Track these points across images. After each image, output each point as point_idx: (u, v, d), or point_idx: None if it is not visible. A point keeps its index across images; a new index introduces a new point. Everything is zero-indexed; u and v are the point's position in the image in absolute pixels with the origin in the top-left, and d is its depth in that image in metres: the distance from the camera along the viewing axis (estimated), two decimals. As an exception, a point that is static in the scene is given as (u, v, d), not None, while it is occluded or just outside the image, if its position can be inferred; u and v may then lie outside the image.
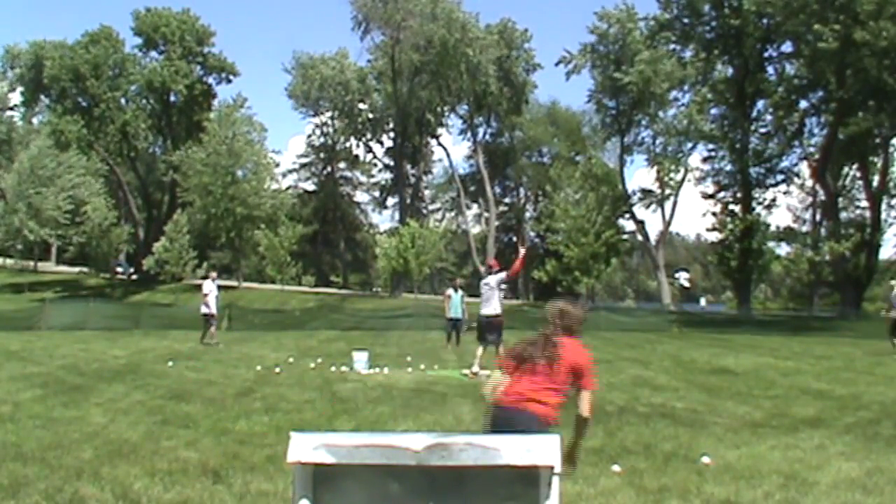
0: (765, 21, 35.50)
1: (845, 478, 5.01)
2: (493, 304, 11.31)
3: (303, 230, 46.74)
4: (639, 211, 49.42)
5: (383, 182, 64.19)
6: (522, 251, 13.07)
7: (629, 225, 49.27)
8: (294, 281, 49.16)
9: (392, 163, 59.02)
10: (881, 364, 13.63)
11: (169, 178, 50.59)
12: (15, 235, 45.99)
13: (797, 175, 41.63)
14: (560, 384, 3.49)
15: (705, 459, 5.38)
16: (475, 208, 62.20)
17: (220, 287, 18.10)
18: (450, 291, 18.05)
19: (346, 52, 55.65)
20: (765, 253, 37.20)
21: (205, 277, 19.07)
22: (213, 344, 16.76)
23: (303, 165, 64.41)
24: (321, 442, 2.25)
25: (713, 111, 39.89)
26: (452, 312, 17.61)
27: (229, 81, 54.49)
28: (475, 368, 10.97)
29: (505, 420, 3.39)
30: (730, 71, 38.63)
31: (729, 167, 39.65)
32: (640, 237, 50.20)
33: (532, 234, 61.32)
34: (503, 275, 11.41)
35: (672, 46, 40.10)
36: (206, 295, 17.23)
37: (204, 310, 17.28)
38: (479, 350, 11.28)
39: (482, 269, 51.10)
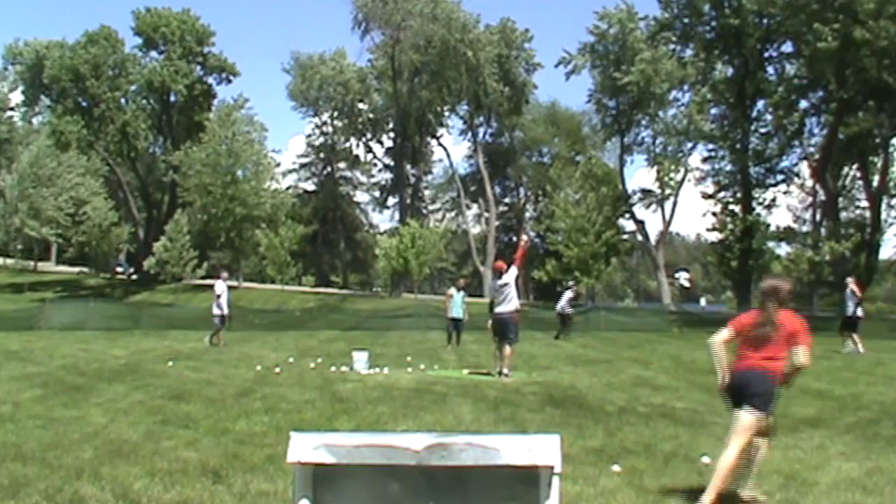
0: (765, 21, 35.51)
1: (845, 478, 5.01)
2: (513, 302, 11.29)
3: (303, 230, 46.78)
4: (639, 211, 49.49)
5: (383, 182, 64.25)
6: (524, 238, 13.07)
7: (629, 225, 49.35)
8: (294, 281, 49.18)
9: (392, 163, 59.05)
10: (881, 364, 13.64)
11: (169, 178, 50.62)
12: (15, 235, 46.00)
13: (797, 175, 41.65)
14: (782, 350, 4.33)
15: (705, 459, 5.37)
16: (475, 208, 62.24)
17: (228, 287, 18.04)
18: (452, 291, 18.08)
19: (345, 52, 55.75)
20: (765, 253, 37.19)
21: (216, 277, 18.87)
22: (214, 344, 16.67)
23: (303, 165, 64.45)
24: (321, 442, 2.25)
25: (713, 111, 39.92)
26: (454, 312, 17.64)
27: (229, 81, 54.56)
28: (505, 370, 10.89)
29: (742, 382, 4.35)
30: (730, 71, 38.62)
31: (729, 167, 39.66)
32: (640, 237, 50.22)
33: (532, 233, 61.33)
34: (515, 270, 11.39)
35: (672, 46, 40.12)
36: (218, 296, 17.09)
37: (216, 311, 17.13)
38: (498, 350, 11.22)
39: (482, 269, 51.24)
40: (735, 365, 4.44)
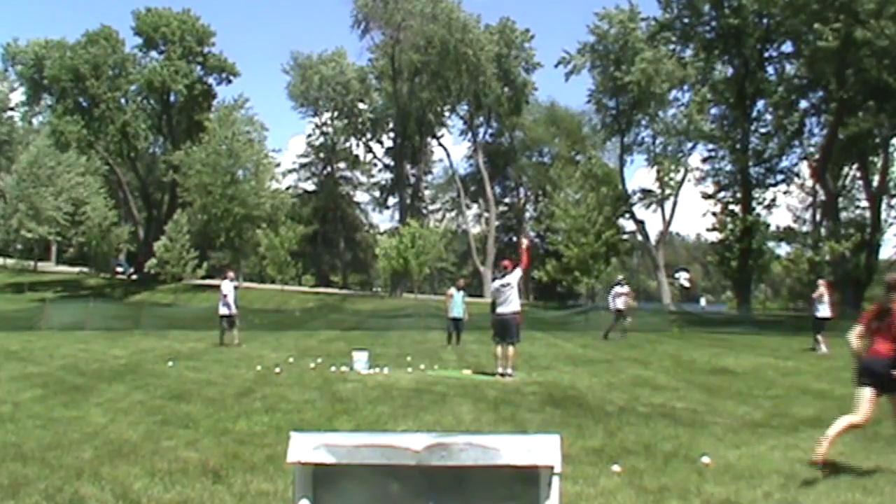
0: (765, 21, 35.54)
1: (845, 478, 5.01)
2: (514, 303, 11.30)
3: (303, 230, 46.79)
4: (639, 211, 49.47)
5: (383, 182, 64.24)
6: (525, 242, 13.05)
7: (629, 225, 49.32)
8: (294, 281, 49.16)
9: (392, 163, 59.04)
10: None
11: (169, 178, 50.64)
12: (15, 236, 45.98)
13: (797, 175, 41.71)
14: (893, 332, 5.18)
15: (705, 459, 5.38)
16: (475, 208, 62.25)
17: (234, 287, 17.90)
18: (452, 290, 18.06)
19: (345, 52, 55.75)
20: (765, 253, 37.21)
21: (223, 277, 18.44)
22: (235, 344, 16.50)
23: (303, 165, 64.44)
24: (321, 442, 2.24)
25: (713, 111, 39.95)
26: (454, 312, 17.63)
27: (229, 81, 54.57)
28: (509, 370, 10.90)
29: (872, 367, 5.22)
30: (730, 71, 38.66)
31: (729, 167, 39.71)
32: (640, 237, 50.21)
33: (532, 233, 61.28)
34: (520, 272, 11.38)
35: (672, 46, 40.14)
36: (224, 296, 16.95)
37: (223, 311, 16.94)
38: (499, 350, 11.22)
39: (482, 269, 51.25)
40: (867, 353, 5.37)
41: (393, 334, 22.90)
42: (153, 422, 6.91)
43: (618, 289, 22.03)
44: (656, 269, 49.67)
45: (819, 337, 16.67)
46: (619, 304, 21.46)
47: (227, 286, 17.25)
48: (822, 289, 17.38)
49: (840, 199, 40.46)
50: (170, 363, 12.49)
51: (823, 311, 16.93)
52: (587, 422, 7.06)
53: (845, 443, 6.21)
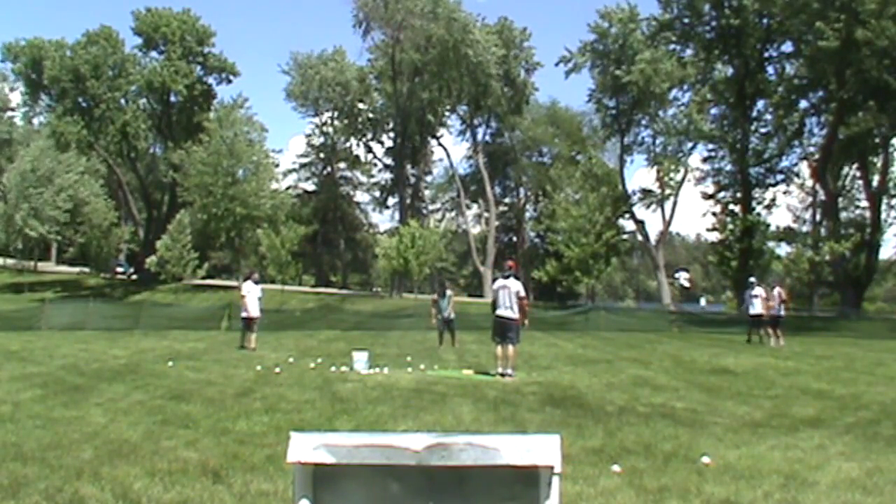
0: (765, 21, 35.54)
1: (845, 478, 5.00)
2: (513, 306, 11.30)
3: (303, 230, 46.80)
4: (639, 211, 49.48)
5: (383, 182, 64.23)
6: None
7: (629, 225, 49.34)
8: (294, 281, 49.15)
9: (392, 163, 59.04)
10: (881, 364, 13.64)
11: (169, 178, 50.63)
12: (15, 236, 46.00)
13: (797, 175, 41.70)
14: None
15: (705, 459, 5.37)
16: (475, 208, 62.25)
17: (262, 288, 17.19)
18: (436, 297, 18.00)
19: (345, 52, 55.76)
20: (765, 253, 37.21)
21: (246, 278, 17.62)
22: (251, 348, 15.75)
23: (303, 165, 64.45)
24: (321, 442, 2.24)
25: (713, 111, 39.95)
26: (444, 315, 17.53)
27: (229, 81, 54.57)
28: (509, 371, 10.91)
29: None
30: (730, 71, 38.64)
31: (729, 167, 39.72)
32: (640, 237, 50.22)
33: (532, 234, 61.31)
34: (522, 290, 11.40)
35: (672, 46, 40.13)
36: (243, 297, 16.36)
37: (243, 313, 16.33)
38: (499, 350, 11.22)
39: (482, 269, 51.24)
40: None
41: (393, 334, 22.93)
42: (153, 422, 6.90)
43: (752, 291, 19.92)
44: (656, 269, 49.68)
45: (769, 330, 18.80)
46: (756, 308, 19.53)
47: (245, 287, 16.71)
48: (778, 288, 20.13)
49: (840, 199, 40.43)
50: (170, 363, 12.49)
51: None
52: (587, 422, 7.06)
53: (845, 443, 6.22)
